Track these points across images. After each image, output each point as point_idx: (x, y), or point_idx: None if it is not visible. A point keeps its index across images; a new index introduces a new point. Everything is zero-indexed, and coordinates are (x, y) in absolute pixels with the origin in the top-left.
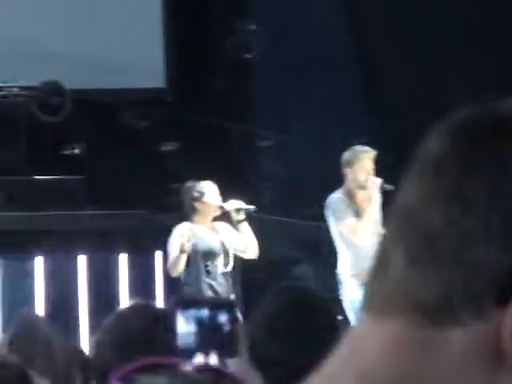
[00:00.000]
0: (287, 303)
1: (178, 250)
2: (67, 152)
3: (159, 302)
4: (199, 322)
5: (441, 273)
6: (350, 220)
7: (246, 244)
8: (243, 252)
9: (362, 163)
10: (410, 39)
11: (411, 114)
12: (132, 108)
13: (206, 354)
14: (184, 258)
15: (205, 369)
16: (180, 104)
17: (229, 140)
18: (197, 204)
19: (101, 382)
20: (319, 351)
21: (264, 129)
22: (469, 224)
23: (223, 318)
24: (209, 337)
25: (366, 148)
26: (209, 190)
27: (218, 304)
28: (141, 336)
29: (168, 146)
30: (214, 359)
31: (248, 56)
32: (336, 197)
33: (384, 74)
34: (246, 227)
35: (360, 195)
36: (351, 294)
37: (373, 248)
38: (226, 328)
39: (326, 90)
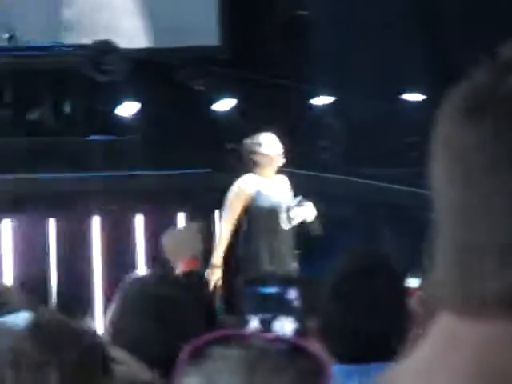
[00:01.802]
0: (353, 267)
1: (240, 202)
2: (123, 112)
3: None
4: (267, 299)
5: None
6: None
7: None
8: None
9: None
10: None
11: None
12: (187, 67)
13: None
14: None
15: (279, 340)
16: (235, 62)
17: (285, 98)
18: (257, 156)
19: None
20: (380, 318)
21: (320, 86)
22: None
23: (292, 294)
24: (277, 313)
25: None
26: (268, 140)
27: (286, 281)
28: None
29: (224, 105)
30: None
31: (302, 12)
32: None
33: (441, 31)
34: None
35: None
36: None
37: None
38: (295, 304)
39: (381, 46)
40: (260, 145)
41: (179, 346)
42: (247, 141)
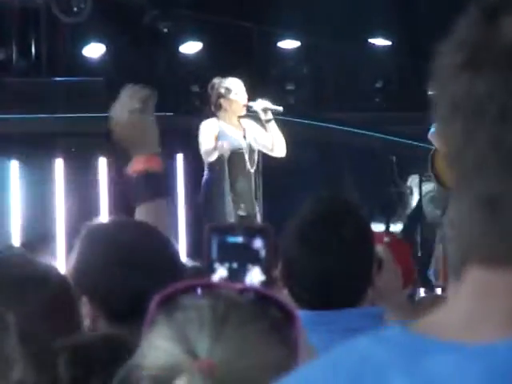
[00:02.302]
0: (320, 212)
1: (210, 144)
2: (88, 54)
3: (180, 203)
4: (234, 248)
5: None
6: None
7: (272, 142)
8: (270, 150)
9: None
10: None
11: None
12: (153, 9)
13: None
14: (215, 154)
15: (246, 290)
16: (201, 5)
17: (251, 41)
18: (223, 101)
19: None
20: (347, 263)
21: (286, 29)
22: None
23: (258, 243)
24: (244, 263)
25: None
26: (236, 87)
27: (252, 230)
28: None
29: (189, 48)
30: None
31: None
32: None
33: None
34: (273, 126)
35: None
36: None
37: None
38: (262, 254)
39: None
40: (228, 90)
41: (143, 291)
42: (215, 84)
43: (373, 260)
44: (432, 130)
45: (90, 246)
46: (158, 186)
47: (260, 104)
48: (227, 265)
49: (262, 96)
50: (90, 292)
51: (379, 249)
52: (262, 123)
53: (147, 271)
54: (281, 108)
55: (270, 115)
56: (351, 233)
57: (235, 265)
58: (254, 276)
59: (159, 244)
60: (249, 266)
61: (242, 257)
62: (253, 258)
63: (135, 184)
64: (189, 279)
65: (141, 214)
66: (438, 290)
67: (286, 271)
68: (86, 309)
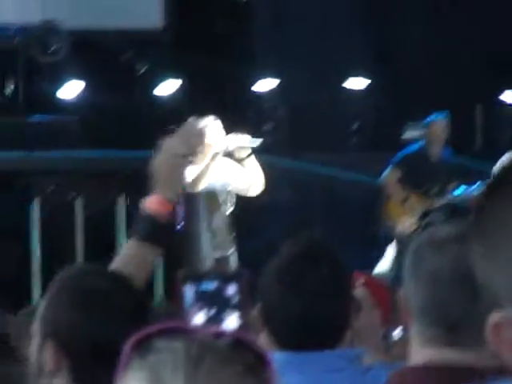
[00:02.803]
0: (294, 256)
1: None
2: (64, 93)
3: None
4: (208, 296)
5: None
6: None
7: (249, 181)
8: (246, 191)
9: None
10: None
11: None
12: (131, 49)
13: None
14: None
15: (222, 334)
16: (178, 45)
17: (228, 81)
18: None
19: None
20: (325, 304)
21: (263, 70)
22: None
23: (232, 289)
24: (219, 310)
25: None
26: (212, 129)
27: (226, 277)
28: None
29: (166, 88)
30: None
31: None
32: None
33: (388, 22)
34: (251, 162)
35: None
36: None
37: None
38: (236, 299)
39: (325, 32)
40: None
41: (106, 338)
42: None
43: (351, 301)
44: (385, 173)
45: (55, 293)
46: (156, 231)
47: (234, 143)
48: (203, 313)
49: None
50: (53, 337)
51: (358, 291)
52: (239, 161)
53: (110, 318)
54: (259, 140)
55: (246, 152)
56: (328, 274)
57: (211, 312)
58: (230, 323)
59: (125, 290)
60: (224, 314)
61: (217, 304)
62: (227, 304)
63: (139, 218)
64: (162, 323)
65: (127, 247)
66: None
67: (264, 312)
68: (49, 353)
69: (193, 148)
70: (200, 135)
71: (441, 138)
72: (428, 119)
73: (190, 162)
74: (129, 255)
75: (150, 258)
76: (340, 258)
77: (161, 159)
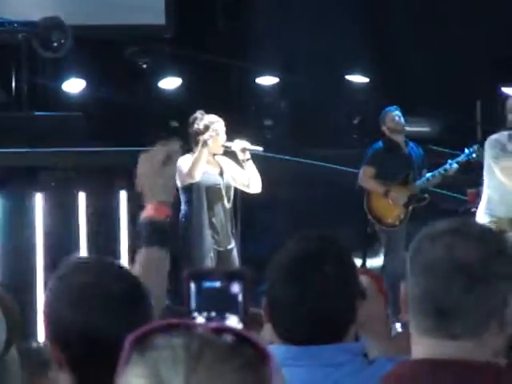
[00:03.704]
0: (300, 251)
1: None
2: (68, 89)
3: None
4: (212, 295)
5: None
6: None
7: (249, 179)
8: (247, 187)
9: None
10: None
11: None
12: (133, 45)
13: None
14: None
15: (222, 330)
16: (181, 41)
17: (230, 78)
18: (202, 138)
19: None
20: (329, 299)
21: (264, 66)
22: None
23: (235, 288)
24: (221, 308)
25: None
26: (215, 125)
27: (230, 275)
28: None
29: (168, 84)
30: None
31: None
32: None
33: (388, 19)
34: (250, 165)
35: None
36: None
37: None
38: (239, 298)
39: (328, 27)
40: (207, 128)
41: (100, 330)
42: (195, 120)
43: (356, 296)
44: (360, 174)
45: (53, 288)
46: (158, 233)
47: (239, 144)
48: (205, 313)
49: (240, 131)
50: (53, 336)
51: (361, 278)
52: (238, 161)
53: (100, 310)
54: (260, 148)
55: (247, 155)
56: (334, 269)
57: (213, 313)
58: (233, 321)
59: (123, 286)
60: (228, 312)
61: (220, 304)
62: (230, 304)
63: (141, 229)
64: (162, 320)
65: (138, 258)
66: (397, 326)
67: (270, 307)
68: (51, 349)
69: (168, 154)
70: (171, 144)
71: (398, 128)
72: (380, 115)
73: (170, 165)
74: (145, 264)
75: (163, 261)
76: (346, 252)
77: (144, 168)
